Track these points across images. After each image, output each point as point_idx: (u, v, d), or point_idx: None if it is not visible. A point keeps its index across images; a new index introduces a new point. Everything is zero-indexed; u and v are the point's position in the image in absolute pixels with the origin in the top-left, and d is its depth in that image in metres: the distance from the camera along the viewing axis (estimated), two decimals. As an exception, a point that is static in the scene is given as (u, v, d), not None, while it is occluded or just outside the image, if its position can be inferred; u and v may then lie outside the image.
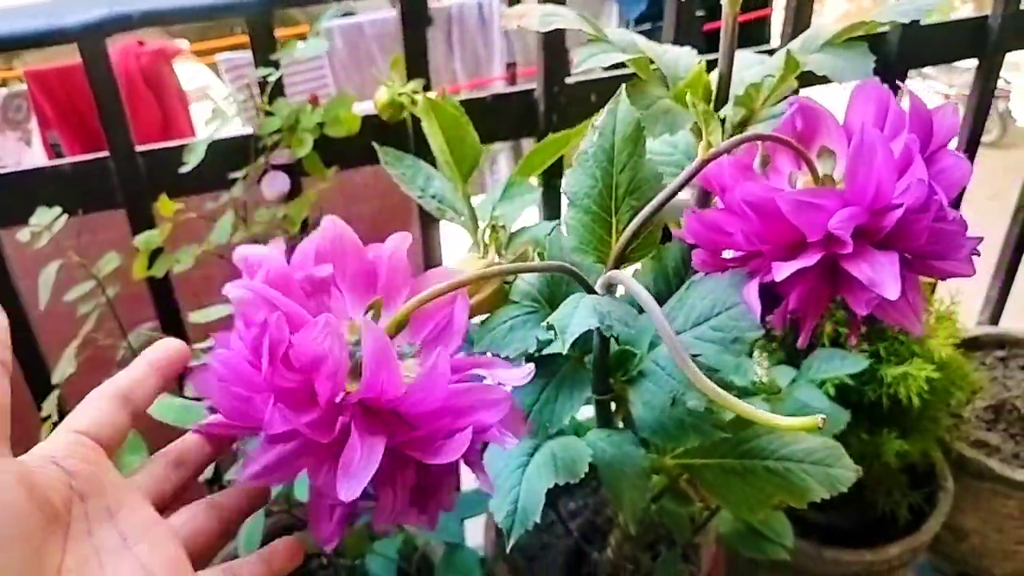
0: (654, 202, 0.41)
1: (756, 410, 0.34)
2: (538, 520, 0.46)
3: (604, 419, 0.55)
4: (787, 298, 0.42)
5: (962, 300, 1.09)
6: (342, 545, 0.93)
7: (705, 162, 0.42)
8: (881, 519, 0.99)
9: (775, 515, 0.83)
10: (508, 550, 0.47)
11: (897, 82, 0.45)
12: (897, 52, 0.96)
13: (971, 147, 1.09)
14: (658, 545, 0.95)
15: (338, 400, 0.34)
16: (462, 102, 0.69)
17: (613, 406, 0.56)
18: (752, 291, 0.43)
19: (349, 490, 0.33)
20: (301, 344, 0.33)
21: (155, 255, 0.76)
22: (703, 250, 0.45)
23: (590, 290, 0.43)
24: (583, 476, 0.48)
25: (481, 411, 0.36)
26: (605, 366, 0.49)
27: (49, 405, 0.66)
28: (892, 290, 0.39)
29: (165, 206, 0.67)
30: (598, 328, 0.41)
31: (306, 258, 0.40)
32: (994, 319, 1.26)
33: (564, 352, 0.39)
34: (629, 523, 0.52)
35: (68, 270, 0.68)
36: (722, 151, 0.42)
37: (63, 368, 0.64)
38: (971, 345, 1.19)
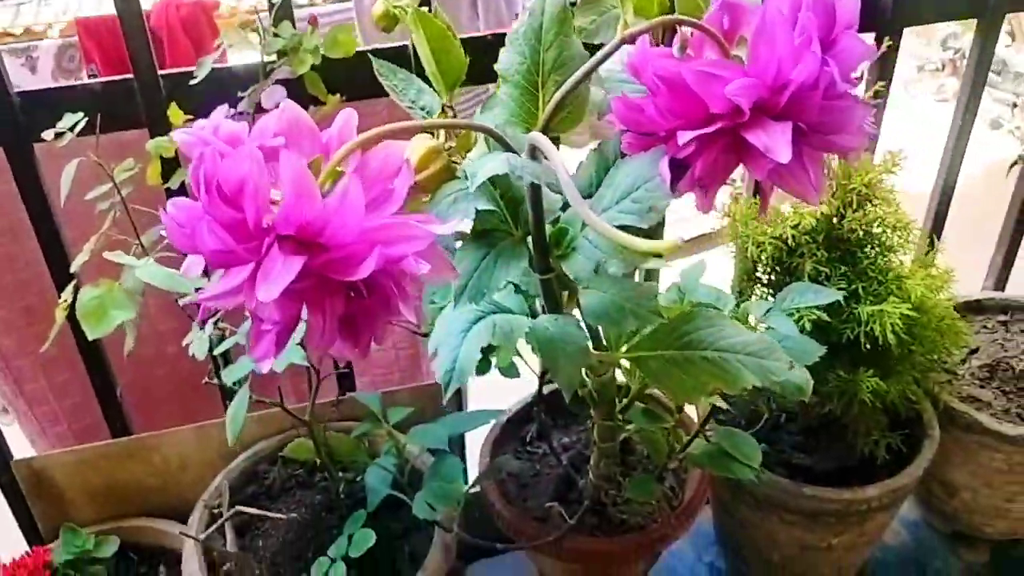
0: (576, 75, 0.45)
1: (627, 236, 0.38)
2: (473, 375, 0.51)
3: (552, 305, 0.59)
4: (693, 168, 0.46)
5: (968, 269, 1.10)
6: (343, 458, 0.99)
7: (623, 41, 0.46)
8: (866, 464, 1.01)
9: (745, 438, 0.86)
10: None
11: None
12: (892, 9, 0.98)
13: (970, 109, 1.10)
14: (637, 471, 0.99)
15: (264, 225, 0.39)
16: (468, 39, 0.73)
17: (565, 299, 0.61)
18: (664, 163, 0.47)
19: (267, 292, 0.38)
20: (226, 170, 0.38)
21: (173, 171, 0.82)
22: (630, 133, 0.49)
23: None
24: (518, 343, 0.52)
25: (400, 243, 0.41)
26: (544, 244, 0.53)
27: (67, 292, 0.73)
28: (784, 154, 0.43)
29: (175, 115, 0.73)
30: (533, 206, 0.46)
31: (263, 132, 0.45)
32: (999, 286, 1.27)
33: (472, 191, 0.43)
34: (565, 393, 0.56)
35: (100, 178, 0.75)
36: (639, 32, 0.46)
37: (81, 258, 0.71)
38: (974, 309, 1.20)
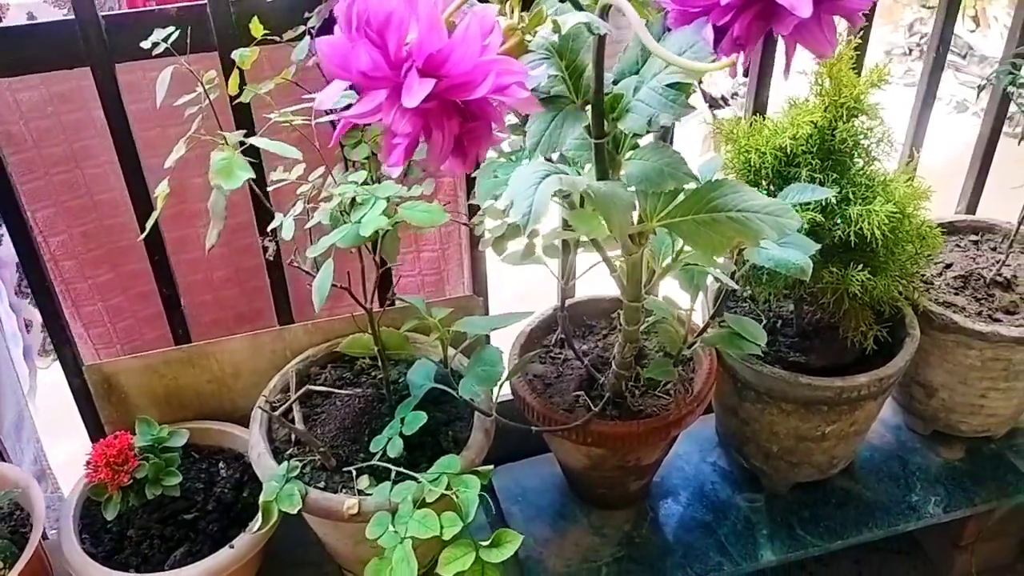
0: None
1: (689, 62, 0.49)
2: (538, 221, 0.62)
3: (602, 171, 0.70)
4: (732, 31, 0.57)
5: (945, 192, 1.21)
6: (393, 353, 1.08)
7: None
8: (854, 364, 1.13)
9: (751, 322, 0.98)
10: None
11: None
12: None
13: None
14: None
15: (404, 52, 0.50)
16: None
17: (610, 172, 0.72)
18: (708, 30, 0.58)
19: (410, 100, 0.48)
20: (375, 7, 0.49)
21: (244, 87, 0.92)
22: (676, 9, 0.60)
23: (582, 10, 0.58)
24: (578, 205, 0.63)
25: (505, 75, 0.52)
26: (601, 108, 0.64)
27: (160, 187, 0.83)
28: (805, 9, 0.54)
29: (256, 28, 0.83)
30: (596, 70, 0.56)
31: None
32: (971, 210, 1.40)
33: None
34: (618, 238, 0.67)
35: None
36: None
37: (176, 154, 0.81)
38: (948, 230, 1.33)
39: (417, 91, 0.49)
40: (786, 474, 1.21)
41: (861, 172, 1.01)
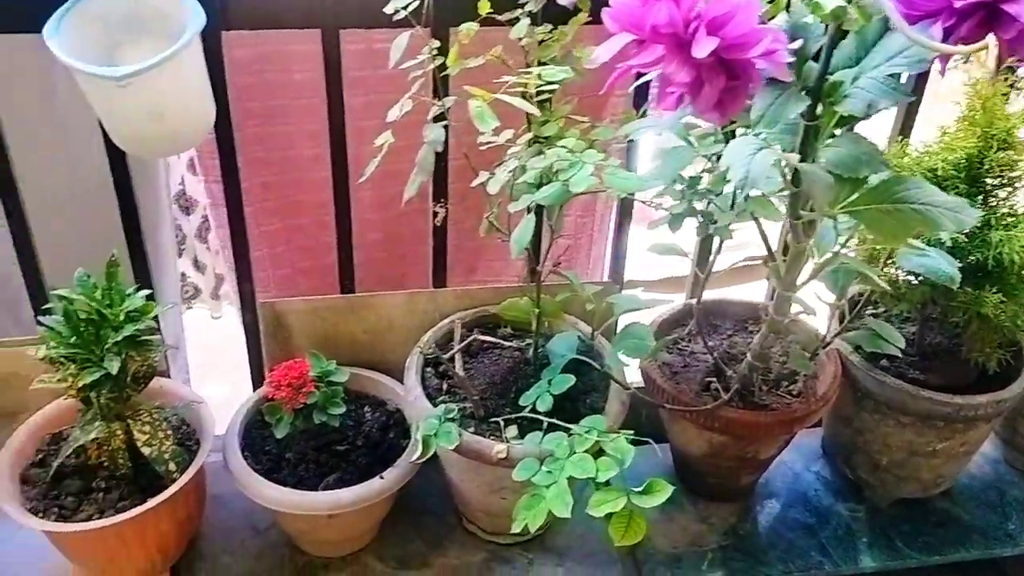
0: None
1: (929, 41, 0.57)
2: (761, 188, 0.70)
3: (804, 153, 0.78)
4: (958, 33, 0.65)
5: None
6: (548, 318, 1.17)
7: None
8: (970, 387, 1.18)
9: (889, 327, 1.04)
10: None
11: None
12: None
13: None
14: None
15: (693, 12, 0.59)
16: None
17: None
18: (936, 28, 0.66)
19: (699, 51, 0.57)
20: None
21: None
22: (903, 12, 0.69)
23: None
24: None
25: (775, 42, 0.60)
26: (819, 93, 0.73)
27: (384, 136, 0.93)
28: (1032, 19, 0.62)
29: (483, 6, 0.93)
30: (828, 55, 0.65)
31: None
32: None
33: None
34: (820, 209, 0.75)
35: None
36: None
37: (398, 111, 0.91)
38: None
39: (705, 45, 0.58)
40: (891, 488, 1.26)
41: (1005, 201, 1.07)
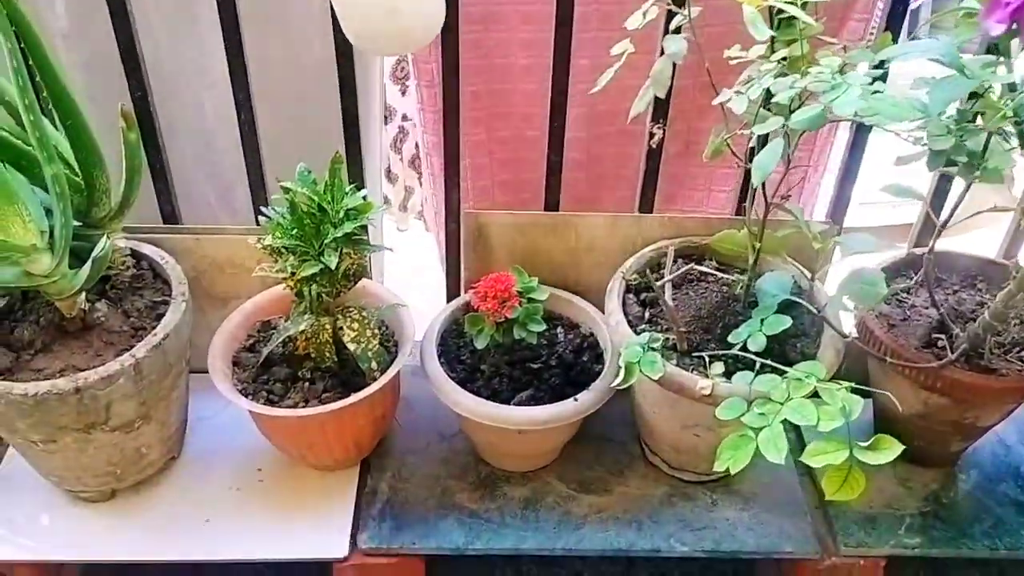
0: None
1: None
2: None
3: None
4: None
5: None
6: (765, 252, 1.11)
7: None
8: None
9: None
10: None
11: None
12: None
13: None
14: None
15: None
16: None
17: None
18: None
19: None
20: None
21: None
22: None
23: None
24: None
25: None
26: None
27: (623, 45, 0.88)
28: None
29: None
30: None
31: None
32: None
33: None
34: None
35: None
36: None
37: (637, 22, 0.86)
38: None
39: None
40: (1124, 474, 1.14)
41: None
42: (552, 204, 1.20)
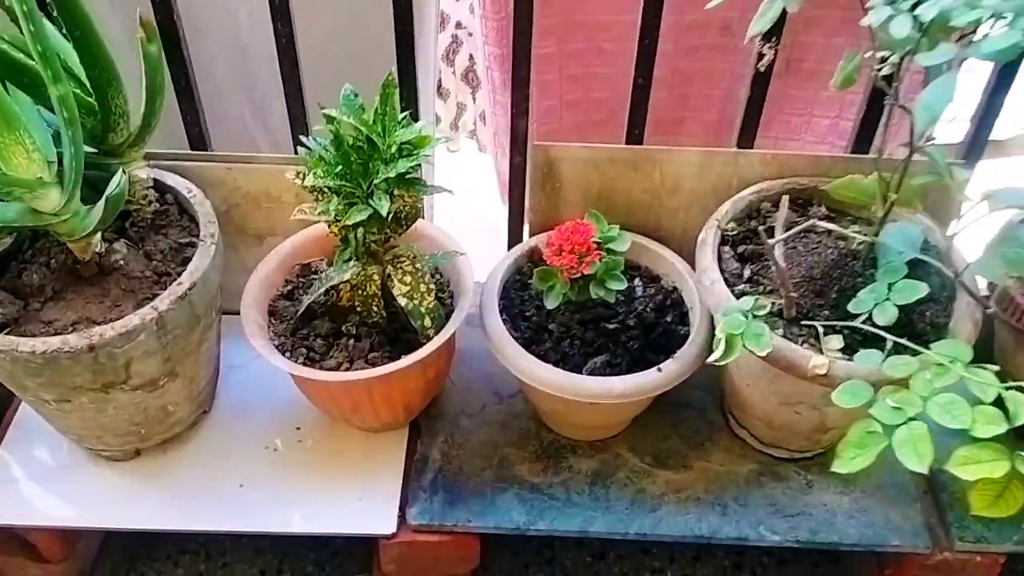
0: None
1: None
2: None
3: None
4: None
5: None
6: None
7: None
8: None
9: None
10: None
11: None
12: None
13: None
14: None
15: None
16: None
17: None
18: None
19: None
20: None
21: None
22: None
23: None
24: None
25: None
26: None
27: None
28: None
29: None
30: None
31: None
32: None
33: None
34: None
35: None
36: None
37: None
38: None
39: None
40: None
41: None
42: (635, 136, 1.03)
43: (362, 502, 0.99)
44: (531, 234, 1.09)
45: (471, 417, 1.08)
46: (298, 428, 1.07)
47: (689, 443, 1.06)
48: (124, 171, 0.85)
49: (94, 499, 1.00)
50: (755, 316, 0.85)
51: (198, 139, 1.06)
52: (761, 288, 0.92)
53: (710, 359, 0.84)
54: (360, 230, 0.87)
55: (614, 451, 1.05)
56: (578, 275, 0.89)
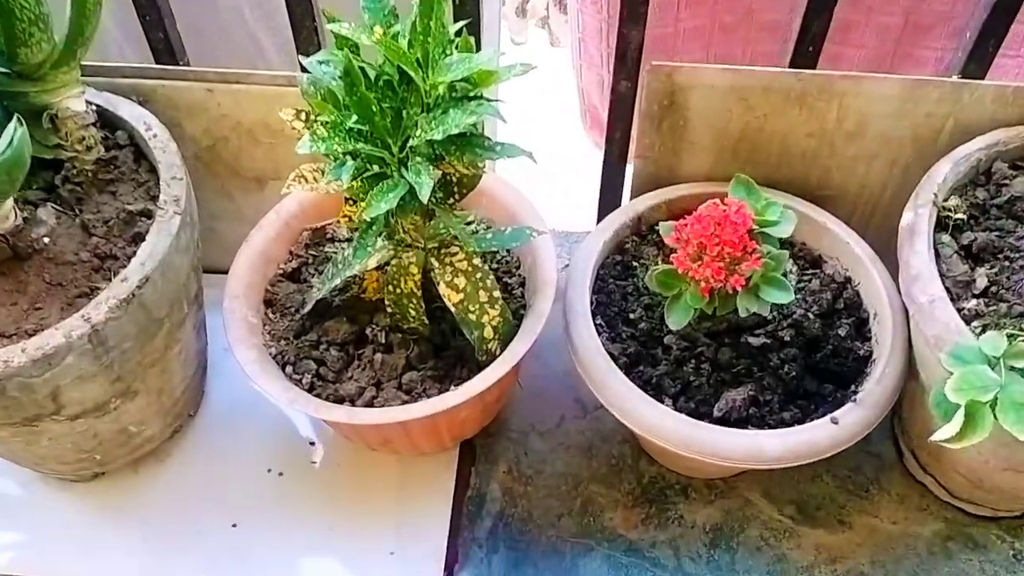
0: None
1: None
2: None
3: None
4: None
5: None
6: None
7: None
8: None
9: None
10: None
11: None
12: None
13: None
14: None
15: None
16: None
17: None
18: None
19: None
20: None
21: None
22: None
23: None
24: None
25: None
26: None
27: None
28: None
29: None
30: None
31: None
32: None
33: None
34: None
35: None
36: None
37: None
38: None
39: None
40: None
41: None
42: (807, 56, 0.69)
43: (395, 557, 0.73)
44: (636, 192, 0.76)
45: (544, 436, 0.80)
46: (311, 444, 0.79)
47: (847, 487, 0.76)
48: (21, 121, 0.54)
49: (38, 534, 0.74)
50: (1013, 369, 0.53)
51: (164, 48, 0.75)
52: (1007, 307, 0.59)
53: (935, 437, 0.53)
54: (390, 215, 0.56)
55: (742, 496, 0.76)
56: (726, 287, 0.58)
